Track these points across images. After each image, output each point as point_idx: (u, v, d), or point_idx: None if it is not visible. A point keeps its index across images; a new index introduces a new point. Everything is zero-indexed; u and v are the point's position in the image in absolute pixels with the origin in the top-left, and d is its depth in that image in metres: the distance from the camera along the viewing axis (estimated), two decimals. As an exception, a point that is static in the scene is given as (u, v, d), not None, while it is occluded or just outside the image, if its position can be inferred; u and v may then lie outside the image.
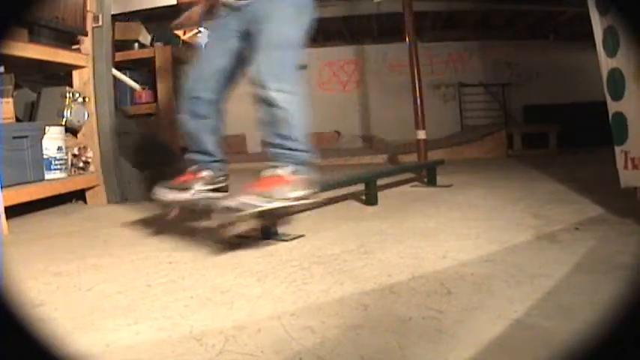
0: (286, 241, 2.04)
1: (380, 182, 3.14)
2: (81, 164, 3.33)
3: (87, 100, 3.30)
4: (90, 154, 3.35)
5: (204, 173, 2.10)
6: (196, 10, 2.22)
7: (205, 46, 2.19)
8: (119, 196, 3.38)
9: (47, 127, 3.02)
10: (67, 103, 3.17)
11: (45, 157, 2.98)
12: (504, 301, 1.24)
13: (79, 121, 3.26)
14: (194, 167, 2.12)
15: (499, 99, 8.92)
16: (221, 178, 2.16)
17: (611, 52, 2.18)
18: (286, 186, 1.80)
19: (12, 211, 2.57)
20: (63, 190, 3.08)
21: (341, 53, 9.42)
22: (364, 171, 3.85)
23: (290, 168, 1.86)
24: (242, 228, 2.31)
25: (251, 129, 9.86)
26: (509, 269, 1.50)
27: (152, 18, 4.52)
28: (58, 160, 3.08)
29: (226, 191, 2.18)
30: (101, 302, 1.40)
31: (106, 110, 3.38)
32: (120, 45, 4.25)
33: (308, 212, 2.74)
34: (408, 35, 4.68)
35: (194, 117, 2.07)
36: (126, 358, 1.05)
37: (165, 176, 2.15)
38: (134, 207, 3.07)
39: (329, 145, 9.18)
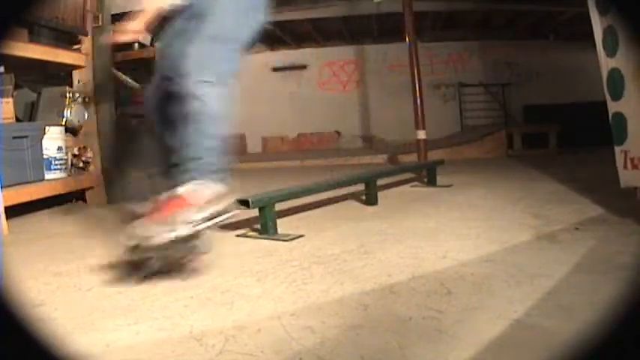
0: (286, 241, 2.04)
1: (380, 182, 3.14)
2: (81, 164, 3.33)
3: (87, 100, 3.31)
4: (90, 154, 3.35)
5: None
6: (141, 20, 2.01)
7: (162, 50, 1.97)
8: (119, 196, 3.38)
9: (47, 127, 3.02)
10: (67, 103, 3.17)
11: (45, 157, 2.98)
12: (504, 301, 1.24)
13: (79, 121, 3.26)
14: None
15: (499, 99, 8.93)
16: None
17: (611, 52, 2.18)
18: (191, 207, 1.50)
19: (12, 211, 2.57)
20: (63, 190, 3.08)
21: (341, 53, 9.43)
22: (364, 171, 3.85)
23: (195, 183, 1.56)
24: (242, 229, 2.31)
25: (251, 129, 9.95)
26: (509, 269, 1.50)
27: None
28: (58, 160, 3.08)
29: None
30: (101, 302, 1.40)
31: (106, 110, 3.38)
32: (120, 45, 4.24)
33: (308, 212, 2.74)
34: (408, 35, 4.69)
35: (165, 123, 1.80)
36: (126, 358, 1.05)
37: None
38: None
39: (329, 145, 9.20)
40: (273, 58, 9.41)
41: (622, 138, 2.19)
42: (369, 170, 4.00)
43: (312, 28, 8.21)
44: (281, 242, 2.02)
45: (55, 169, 3.05)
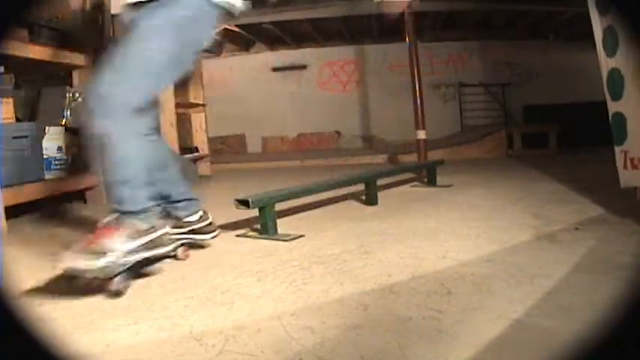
0: (286, 241, 2.04)
1: (380, 182, 3.14)
2: (81, 164, 3.32)
3: (87, 100, 3.30)
4: (90, 154, 3.35)
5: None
6: None
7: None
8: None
9: (47, 127, 3.02)
10: (67, 103, 3.17)
11: (45, 157, 2.98)
12: (504, 301, 1.24)
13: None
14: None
15: (499, 99, 8.93)
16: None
17: (611, 52, 2.18)
18: (117, 236, 1.44)
19: (12, 211, 2.57)
20: (63, 190, 3.07)
21: (341, 53, 9.43)
22: (364, 171, 3.85)
23: (121, 214, 1.52)
24: (242, 229, 2.32)
25: (251, 129, 9.94)
26: (509, 269, 1.50)
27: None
28: (58, 160, 3.08)
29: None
30: (101, 302, 1.40)
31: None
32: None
33: (308, 212, 2.74)
34: (408, 35, 4.69)
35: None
36: (126, 358, 1.05)
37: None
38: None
39: (329, 145, 9.20)
40: (273, 58, 9.41)
41: (622, 138, 2.20)
42: (369, 170, 4.00)
43: (312, 28, 8.21)
44: (281, 242, 2.02)
45: (55, 169, 3.05)
